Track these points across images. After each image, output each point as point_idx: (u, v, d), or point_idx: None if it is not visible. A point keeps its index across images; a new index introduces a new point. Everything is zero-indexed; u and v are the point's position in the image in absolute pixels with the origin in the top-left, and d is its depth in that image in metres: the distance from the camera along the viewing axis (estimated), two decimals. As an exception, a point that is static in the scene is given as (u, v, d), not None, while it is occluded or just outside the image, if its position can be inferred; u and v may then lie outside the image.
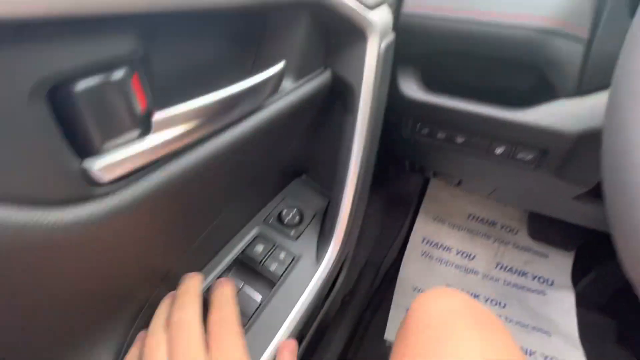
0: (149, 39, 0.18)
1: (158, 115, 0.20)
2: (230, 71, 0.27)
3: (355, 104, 0.34)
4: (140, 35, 0.17)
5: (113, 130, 0.18)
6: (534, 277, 0.92)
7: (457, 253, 0.98)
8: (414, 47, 0.44)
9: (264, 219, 0.42)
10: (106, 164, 0.18)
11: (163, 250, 0.27)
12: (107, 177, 0.18)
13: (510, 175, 0.53)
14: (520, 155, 0.47)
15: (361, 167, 0.36)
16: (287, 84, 0.30)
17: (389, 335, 0.85)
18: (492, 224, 0.99)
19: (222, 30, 0.26)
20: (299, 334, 0.37)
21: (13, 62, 0.13)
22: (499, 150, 0.48)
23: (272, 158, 0.39)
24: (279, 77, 0.27)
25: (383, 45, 0.33)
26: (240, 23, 0.27)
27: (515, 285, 0.92)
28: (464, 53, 0.42)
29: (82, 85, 0.16)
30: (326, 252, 0.39)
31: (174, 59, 0.23)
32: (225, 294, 0.29)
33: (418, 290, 0.94)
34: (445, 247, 0.99)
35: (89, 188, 0.18)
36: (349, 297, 0.83)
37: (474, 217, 1.00)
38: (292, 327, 0.34)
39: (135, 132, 0.19)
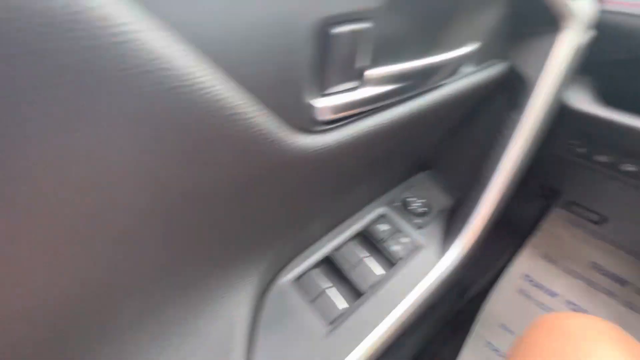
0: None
1: (369, 72, 0.21)
2: (421, 45, 0.28)
3: (526, 101, 0.31)
4: None
5: (342, 76, 0.20)
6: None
7: (565, 303, 0.84)
8: (601, 51, 0.38)
9: (388, 202, 0.42)
10: (326, 104, 0.20)
11: (329, 193, 0.30)
12: (325, 116, 0.20)
13: None
14: None
15: (514, 168, 0.34)
16: (467, 66, 0.29)
17: (464, 363, 0.78)
18: (622, 282, 0.82)
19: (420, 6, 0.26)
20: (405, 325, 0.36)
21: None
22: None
23: (411, 146, 0.38)
24: (469, 57, 0.26)
25: (579, 40, 0.30)
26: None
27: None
28: None
29: (339, 30, 0.18)
30: (451, 248, 0.37)
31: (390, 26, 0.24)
32: None
33: (505, 329, 0.84)
34: (550, 292, 0.86)
35: (312, 124, 0.20)
36: (429, 310, 0.79)
37: (597, 268, 0.84)
38: (408, 308, 0.34)
39: (354, 83, 0.21)
